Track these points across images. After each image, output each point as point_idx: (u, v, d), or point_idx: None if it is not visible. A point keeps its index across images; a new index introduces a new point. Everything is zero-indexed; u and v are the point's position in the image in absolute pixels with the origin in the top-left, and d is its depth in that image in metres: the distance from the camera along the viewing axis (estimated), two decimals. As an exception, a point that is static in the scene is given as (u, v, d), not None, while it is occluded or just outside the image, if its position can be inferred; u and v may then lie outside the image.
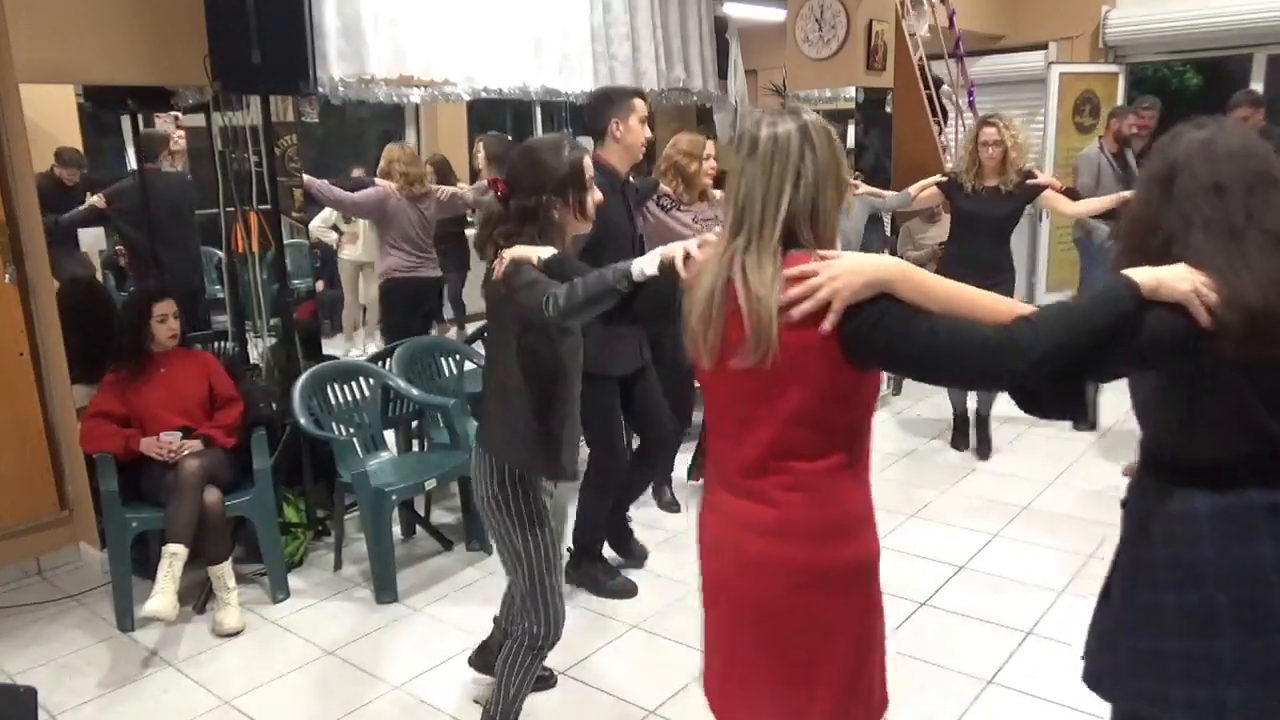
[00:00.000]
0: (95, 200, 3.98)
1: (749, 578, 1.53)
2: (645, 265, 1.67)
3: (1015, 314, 1.35)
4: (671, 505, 4.10)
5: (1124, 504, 1.58)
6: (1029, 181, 4.37)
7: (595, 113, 3.13)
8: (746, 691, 1.60)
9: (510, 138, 7.38)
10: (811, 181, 1.41)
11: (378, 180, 4.75)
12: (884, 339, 1.36)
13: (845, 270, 1.35)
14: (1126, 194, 4.39)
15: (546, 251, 1.99)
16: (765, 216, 1.40)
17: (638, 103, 3.11)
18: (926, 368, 1.41)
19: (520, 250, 2.03)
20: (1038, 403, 1.45)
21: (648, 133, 3.16)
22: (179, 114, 4.10)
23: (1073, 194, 4.58)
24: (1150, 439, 1.52)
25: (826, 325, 1.36)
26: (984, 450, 4.71)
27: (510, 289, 2.00)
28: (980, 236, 4.40)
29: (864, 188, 4.38)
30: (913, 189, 4.56)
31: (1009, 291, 4.27)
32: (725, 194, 1.50)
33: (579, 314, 1.82)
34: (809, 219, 1.42)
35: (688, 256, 1.58)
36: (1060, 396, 1.44)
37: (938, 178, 4.55)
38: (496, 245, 2.11)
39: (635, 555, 3.59)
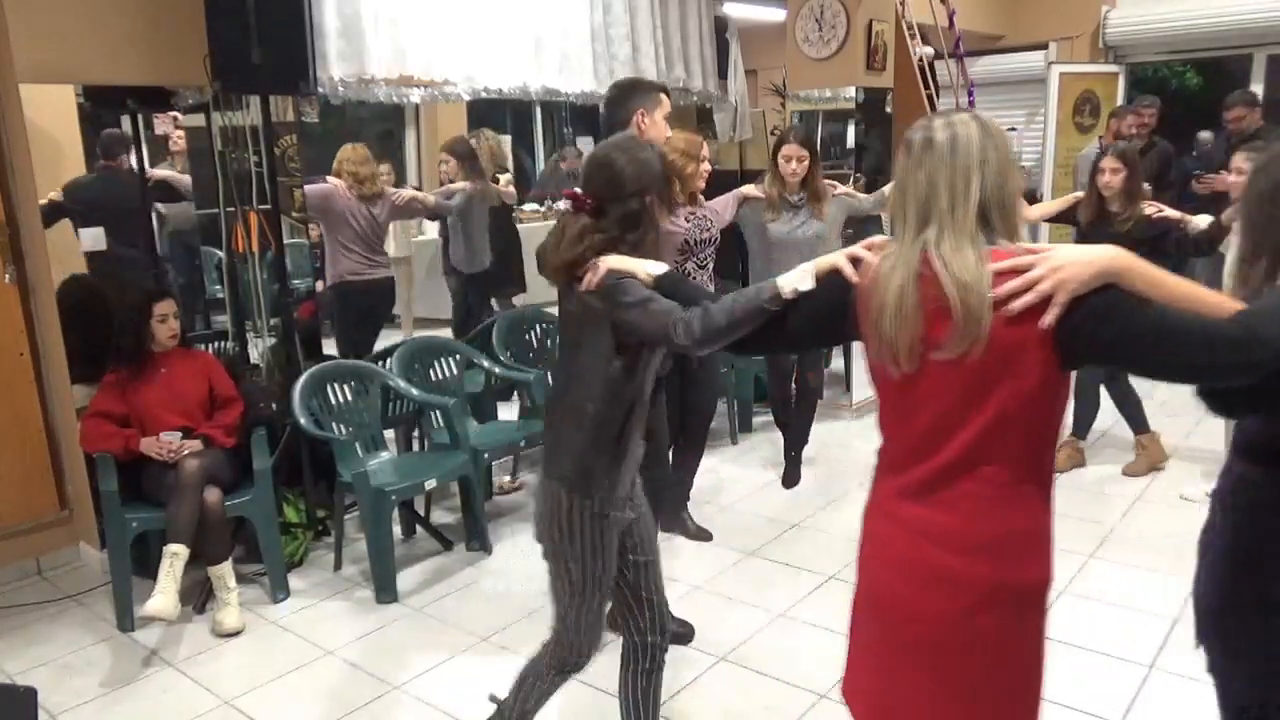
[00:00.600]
0: (54, 195, 3.96)
1: (927, 591, 1.44)
2: (796, 281, 1.55)
3: (1231, 307, 1.31)
4: (701, 533, 3.90)
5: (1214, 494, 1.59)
6: None
7: (618, 102, 2.88)
8: (903, 706, 1.52)
9: (507, 137, 7.41)
10: (996, 169, 1.38)
11: (328, 179, 4.69)
12: (1113, 332, 1.30)
13: (1070, 261, 1.30)
14: (1078, 194, 4.42)
15: (656, 267, 1.85)
16: (956, 203, 1.36)
17: (664, 98, 2.93)
18: (1158, 361, 1.34)
19: (619, 261, 1.86)
20: (1231, 403, 1.43)
21: (668, 131, 2.99)
22: (178, 114, 4.10)
23: (1030, 198, 4.58)
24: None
25: (1049, 319, 1.30)
26: None
27: (611, 304, 1.83)
28: None
29: (841, 189, 4.35)
30: (886, 189, 4.53)
31: None
32: (894, 194, 1.46)
33: (720, 340, 1.68)
34: (999, 207, 1.38)
35: (856, 261, 1.49)
36: (1261, 393, 1.39)
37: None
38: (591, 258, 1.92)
39: (684, 636, 3.11)
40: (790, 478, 4.42)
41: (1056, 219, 4.50)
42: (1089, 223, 4.15)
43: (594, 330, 1.91)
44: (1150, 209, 4.06)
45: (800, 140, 4.06)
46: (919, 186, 1.40)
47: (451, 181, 5.38)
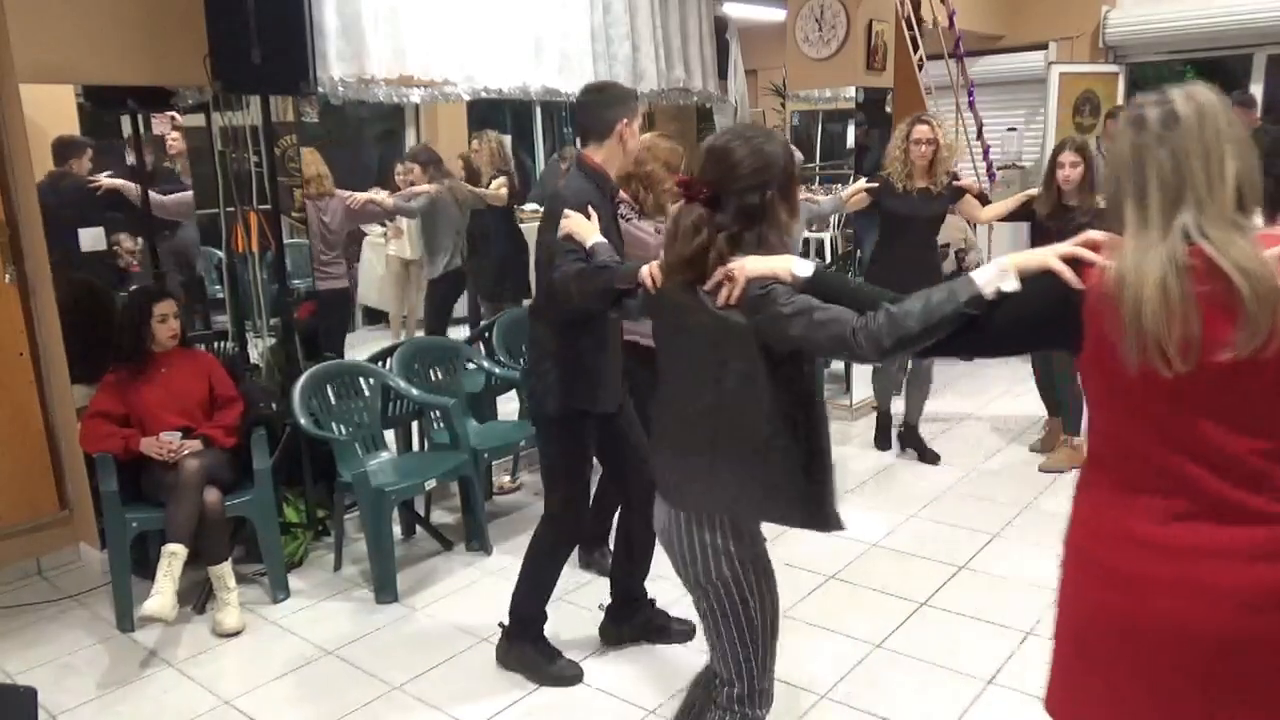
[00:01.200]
0: None
1: (1218, 610, 1.28)
2: (998, 281, 1.41)
3: None
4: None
5: None
6: (954, 183, 4.41)
7: (600, 109, 2.73)
8: None
9: (508, 137, 7.37)
10: (1244, 143, 1.27)
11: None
12: None
13: None
14: (1030, 192, 4.45)
15: (802, 266, 1.67)
16: (1212, 183, 1.24)
17: (637, 105, 2.83)
18: None
19: (759, 264, 1.69)
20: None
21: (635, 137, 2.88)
22: (175, 115, 4.10)
23: (984, 199, 4.61)
24: None
25: None
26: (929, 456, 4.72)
27: (763, 316, 1.67)
28: (914, 237, 4.37)
29: (804, 194, 4.35)
30: (844, 193, 4.50)
31: None
32: (1120, 178, 1.31)
33: (912, 348, 1.52)
34: (1251, 186, 1.26)
35: (1072, 261, 1.35)
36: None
37: (868, 183, 4.48)
38: (720, 258, 1.75)
39: (687, 634, 3.08)
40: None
41: (1009, 218, 4.54)
42: (1048, 216, 4.22)
43: (740, 344, 1.73)
44: (1102, 201, 4.13)
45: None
46: (1163, 167, 1.25)
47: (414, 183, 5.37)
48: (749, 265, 1.69)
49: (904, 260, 4.25)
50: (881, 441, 4.87)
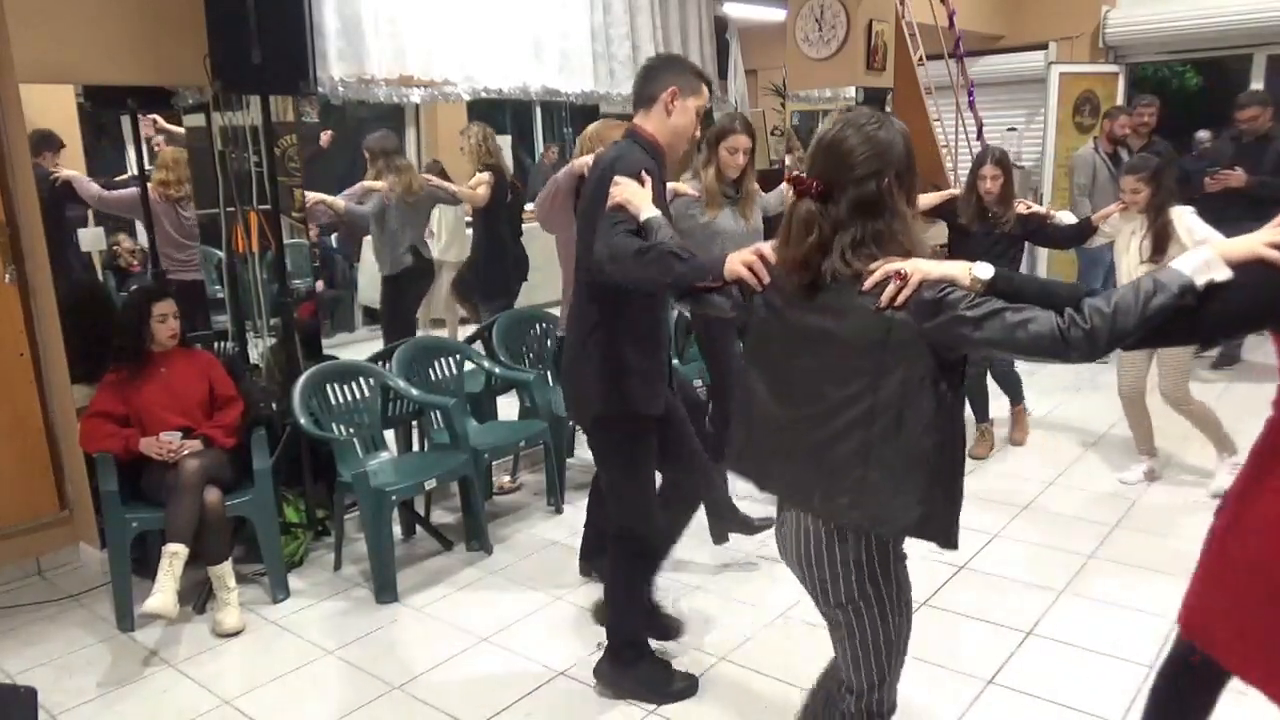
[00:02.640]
0: None
1: None
2: (1209, 271, 1.41)
3: None
4: None
5: None
6: None
7: (648, 76, 2.47)
8: None
9: (506, 137, 7.27)
10: None
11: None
12: None
13: None
14: (953, 191, 4.55)
15: (982, 269, 1.57)
16: None
17: (704, 89, 2.50)
18: None
19: (933, 267, 1.58)
20: None
21: (697, 130, 2.61)
22: (157, 117, 4.10)
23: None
24: None
25: None
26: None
27: (945, 321, 1.55)
28: None
29: (755, 188, 4.34)
30: (783, 187, 4.40)
31: None
32: None
33: (1125, 341, 1.47)
34: None
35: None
36: None
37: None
38: (844, 258, 1.63)
39: (674, 630, 3.01)
40: None
41: (930, 213, 4.59)
42: (971, 222, 4.35)
43: (903, 349, 1.59)
44: (1021, 207, 4.33)
45: (748, 131, 3.84)
46: None
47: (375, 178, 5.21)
48: (925, 268, 1.58)
49: None
50: None
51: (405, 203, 5.19)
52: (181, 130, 4.13)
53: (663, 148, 2.45)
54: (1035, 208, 4.41)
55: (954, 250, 4.60)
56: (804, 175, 1.69)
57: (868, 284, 1.61)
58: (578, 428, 3.40)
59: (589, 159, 2.93)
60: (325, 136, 6.40)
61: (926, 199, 4.58)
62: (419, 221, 5.40)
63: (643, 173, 2.21)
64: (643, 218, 2.08)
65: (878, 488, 1.64)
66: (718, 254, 1.90)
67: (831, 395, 1.67)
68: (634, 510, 2.63)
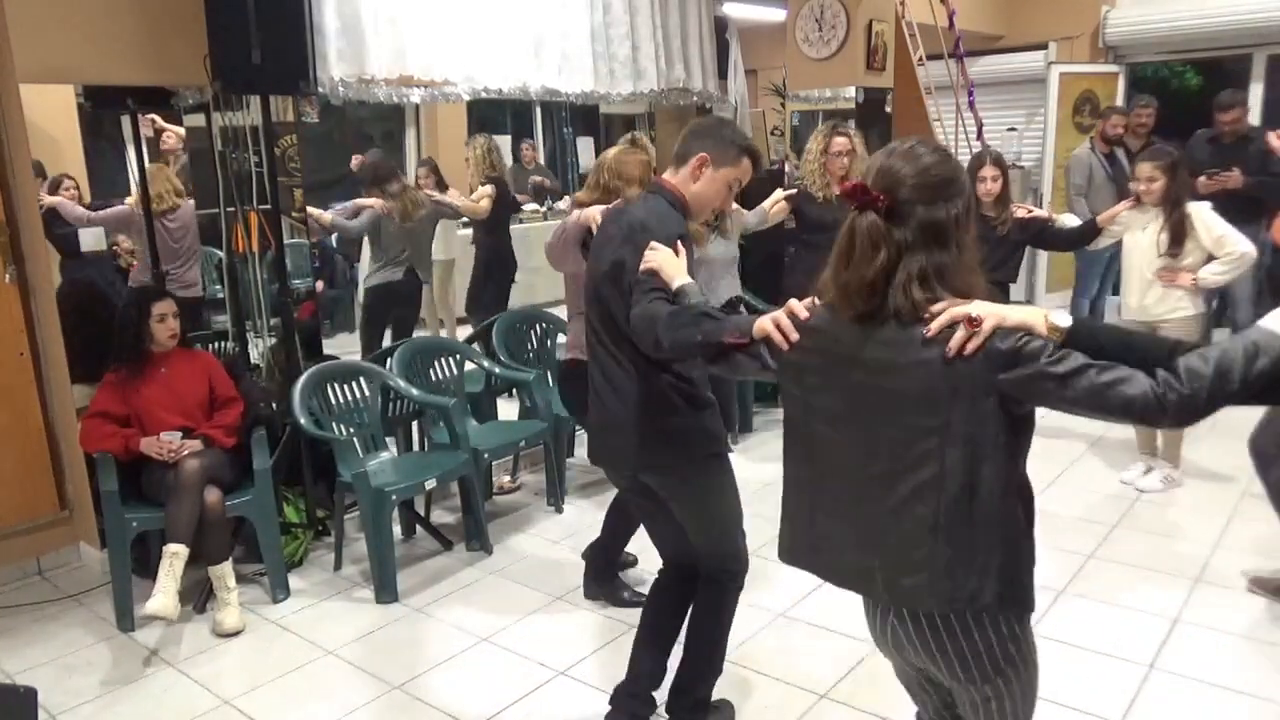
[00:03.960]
0: None
1: None
2: None
3: None
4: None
5: None
6: None
7: (691, 136, 2.35)
8: None
9: (506, 138, 7.23)
10: None
11: (126, 201, 4.44)
12: None
13: None
14: None
15: (1060, 316, 1.42)
16: None
17: (745, 161, 2.33)
18: None
19: (1010, 313, 1.42)
20: None
21: (728, 205, 2.50)
22: (155, 117, 4.09)
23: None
24: None
25: None
26: None
27: (1012, 371, 1.40)
28: (831, 243, 4.32)
29: (735, 206, 4.33)
30: (766, 204, 4.46)
31: None
32: None
33: (1225, 405, 1.34)
34: None
35: None
36: None
37: (788, 191, 4.48)
38: (906, 291, 1.46)
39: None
40: None
41: None
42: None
43: (970, 405, 1.43)
44: (1020, 211, 4.29)
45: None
46: None
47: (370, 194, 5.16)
48: (995, 311, 1.42)
49: (823, 266, 4.20)
50: None
51: (404, 227, 5.15)
52: (181, 130, 4.14)
53: (689, 206, 2.35)
54: (1036, 212, 4.39)
55: None
56: (864, 184, 1.51)
57: (933, 328, 1.44)
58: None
59: (597, 213, 2.80)
60: (355, 160, 6.36)
61: (775, 202, 4.55)
62: (423, 240, 5.37)
63: (679, 242, 2.13)
64: (675, 285, 1.99)
65: (951, 563, 1.46)
66: (713, 289, 1.82)
67: (892, 459, 1.49)
68: (731, 544, 2.49)
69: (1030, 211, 4.35)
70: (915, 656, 1.58)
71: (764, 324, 1.67)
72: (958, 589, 1.46)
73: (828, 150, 4.41)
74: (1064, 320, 1.42)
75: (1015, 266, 4.45)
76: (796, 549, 1.69)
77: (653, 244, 2.10)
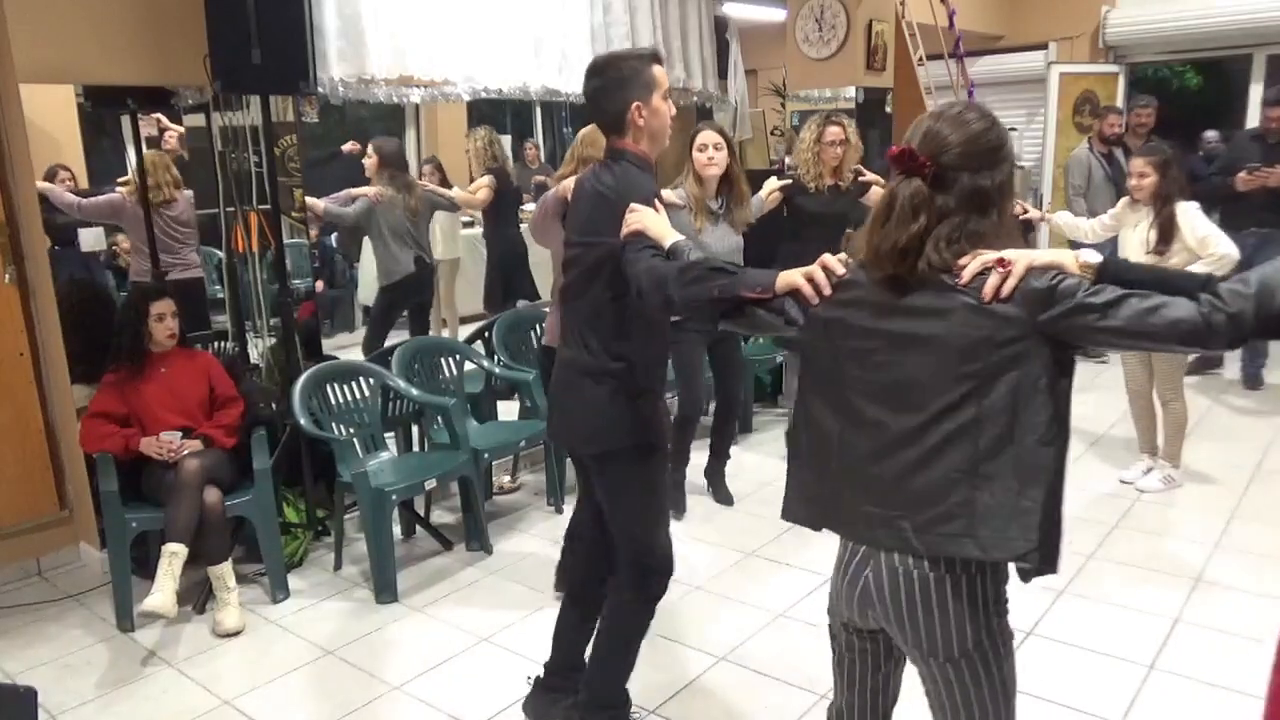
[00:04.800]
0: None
1: None
2: None
3: None
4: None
5: None
6: (860, 179, 4.45)
7: (605, 96, 2.30)
8: None
9: (506, 137, 7.22)
10: None
11: (116, 189, 4.38)
12: None
13: None
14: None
15: (1090, 253, 1.45)
16: None
17: (657, 72, 2.27)
18: None
19: (1040, 256, 1.43)
20: None
21: (672, 109, 2.40)
22: (160, 116, 4.08)
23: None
24: None
25: None
26: None
27: (1060, 311, 1.39)
28: (826, 233, 4.30)
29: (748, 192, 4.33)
30: (763, 193, 4.40)
31: None
32: None
33: (1271, 324, 1.31)
34: None
35: None
36: None
37: (783, 181, 4.45)
38: (937, 248, 1.46)
39: None
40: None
41: None
42: None
43: (1009, 349, 1.42)
44: (1018, 209, 4.20)
45: (716, 127, 3.70)
46: None
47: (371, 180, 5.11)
48: (1030, 256, 1.42)
49: (815, 255, 4.20)
50: None
51: (405, 219, 5.13)
52: (182, 129, 4.14)
53: (652, 162, 2.30)
54: (1031, 213, 4.37)
55: None
56: (911, 148, 1.49)
57: (965, 275, 1.44)
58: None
59: (569, 184, 2.72)
60: (349, 146, 6.28)
61: (770, 191, 4.55)
62: (420, 232, 5.33)
63: (656, 200, 2.10)
64: (667, 244, 1.94)
65: (989, 510, 1.44)
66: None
67: (926, 407, 1.48)
68: (656, 544, 2.38)
69: (1025, 211, 4.31)
70: (882, 614, 1.55)
71: (792, 277, 1.64)
72: (996, 535, 1.44)
73: (821, 140, 4.40)
74: (1094, 258, 1.43)
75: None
76: (805, 504, 1.68)
77: (632, 205, 2.06)
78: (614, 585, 2.41)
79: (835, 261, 1.61)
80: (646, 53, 2.31)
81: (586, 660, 2.52)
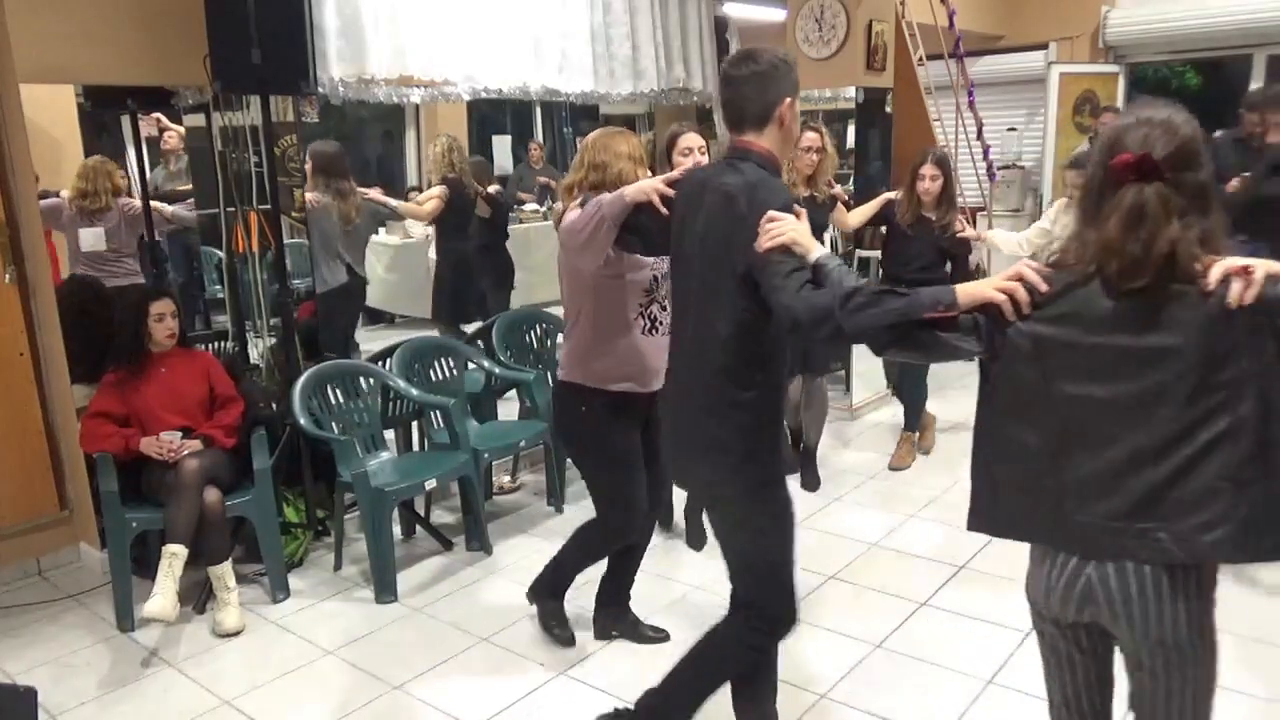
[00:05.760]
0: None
1: None
2: None
3: None
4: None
5: None
6: (830, 191, 4.38)
7: (754, 88, 2.05)
8: None
9: (435, 141, 7.02)
10: None
11: (61, 193, 4.23)
12: None
13: None
14: (889, 195, 4.47)
15: None
16: None
17: (797, 78, 2.12)
18: None
19: (1267, 262, 1.42)
20: None
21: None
22: (159, 115, 4.08)
23: (847, 206, 4.59)
24: None
25: None
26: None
27: None
28: None
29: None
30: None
31: None
32: None
33: None
34: None
35: None
36: None
37: None
38: (1197, 256, 1.43)
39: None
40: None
41: (871, 221, 4.57)
42: (910, 225, 4.31)
43: (1256, 354, 1.43)
44: (957, 225, 4.23)
45: (698, 130, 3.44)
46: None
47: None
48: (1260, 261, 1.41)
49: None
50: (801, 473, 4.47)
51: (344, 230, 4.83)
52: (182, 129, 4.14)
53: (781, 168, 2.13)
54: (968, 230, 4.29)
55: (888, 252, 4.57)
56: (1148, 154, 1.45)
57: (1212, 280, 1.41)
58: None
59: (648, 186, 2.34)
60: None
61: (864, 211, 4.55)
62: (353, 242, 4.99)
63: (795, 206, 1.94)
64: (812, 259, 1.81)
65: (1256, 514, 1.45)
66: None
67: (1173, 420, 1.46)
68: (777, 586, 2.22)
69: (963, 229, 4.24)
70: (1107, 612, 1.54)
71: (983, 292, 1.57)
72: (1261, 539, 1.46)
73: (796, 145, 4.29)
74: None
75: (940, 273, 4.33)
76: (1008, 521, 1.64)
77: (769, 214, 1.89)
78: (729, 618, 2.30)
79: (1034, 274, 1.54)
80: (790, 55, 2.14)
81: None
